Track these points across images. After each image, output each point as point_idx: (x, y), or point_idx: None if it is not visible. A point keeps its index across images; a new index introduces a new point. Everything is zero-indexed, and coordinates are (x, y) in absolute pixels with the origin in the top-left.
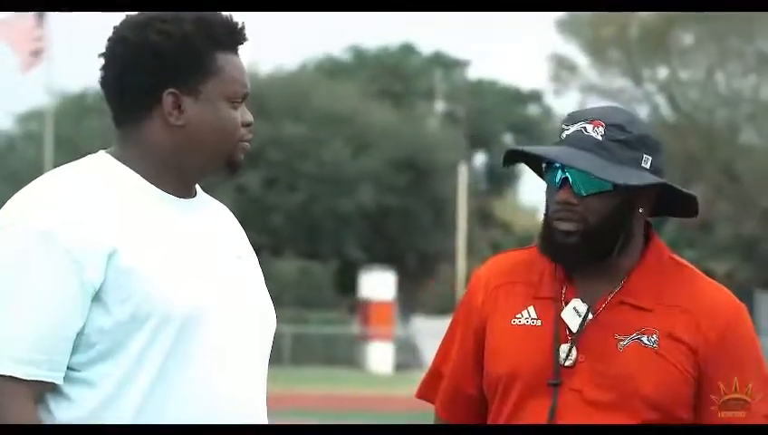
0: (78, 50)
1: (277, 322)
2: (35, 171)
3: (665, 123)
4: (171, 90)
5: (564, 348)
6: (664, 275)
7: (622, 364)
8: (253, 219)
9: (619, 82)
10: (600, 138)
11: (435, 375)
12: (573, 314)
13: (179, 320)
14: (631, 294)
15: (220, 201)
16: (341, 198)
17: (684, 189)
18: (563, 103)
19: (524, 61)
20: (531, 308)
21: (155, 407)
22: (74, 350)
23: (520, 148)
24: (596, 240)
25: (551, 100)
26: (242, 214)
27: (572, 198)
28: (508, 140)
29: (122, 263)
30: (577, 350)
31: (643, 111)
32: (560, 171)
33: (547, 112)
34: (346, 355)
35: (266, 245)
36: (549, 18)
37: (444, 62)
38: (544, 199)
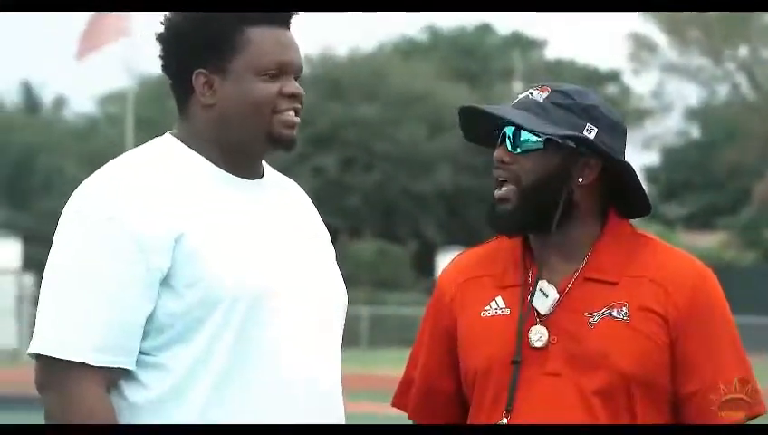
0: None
1: (354, 303)
2: (117, 153)
3: (745, 102)
4: (200, 70)
5: (535, 330)
6: (627, 247)
7: (595, 341)
8: (330, 201)
9: (699, 60)
10: (540, 100)
11: (406, 381)
12: (541, 295)
13: (248, 301)
14: (596, 270)
15: (297, 183)
16: (418, 178)
17: (622, 159)
18: (642, 83)
19: (603, 40)
20: (498, 298)
21: (227, 390)
22: (146, 335)
23: (467, 105)
24: (530, 204)
25: (629, 79)
26: (319, 195)
27: (506, 156)
28: None
29: (189, 246)
30: (548, 331)
31: (723, 91)
32: (500, 131)
33: (626, 92)
34: None
35: (344, 226)
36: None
37: (521, 42)
38: None
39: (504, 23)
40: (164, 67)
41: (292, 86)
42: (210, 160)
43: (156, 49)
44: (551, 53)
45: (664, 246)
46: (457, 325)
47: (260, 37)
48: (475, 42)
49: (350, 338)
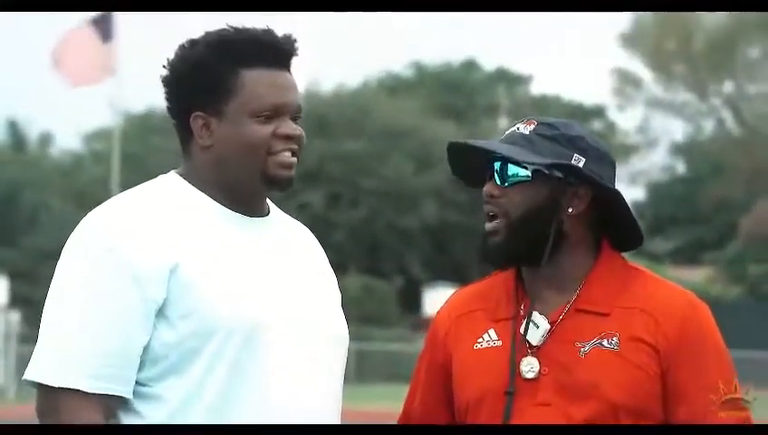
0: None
1: None
2: (102, 189)
3: (730, 137)
4: (197, 113)
5: (526, 361)
6: (618, 279)
7: (586, 371)
8: (315, 236)
9: (684, 96)
10: (526, 132)
11: (405, 417)
12: (532, 327)
13: (242, 334)
14: (587, 301)
15: None
16: (404, 214)
17: (609, 185)
18: (627, 118)
19: (588, 76)
20: (491, 331)
21: (218, 421)
22: (142, 365)
23: (455, 141)
24: (520, 236)
25: (614, 115)
26: None
27: (495, 190)
28: None
29: (184, 278)
30: (539, 362)
31: (709, 126)
32: (488, 166)
33: (611, 128)
34: (410, 372)
35: (330, 261)
36: (612, 32)
37: (506, 78)
38: None
39: (490, 58)
40: (168, 109)
41: (288, 127)
42: (211, 198)
43: (143, 88)
44: (536, 89)
45: (655, 277)
46: (452, 360)
47: (255, 80)
48: (460, 77)
49: None
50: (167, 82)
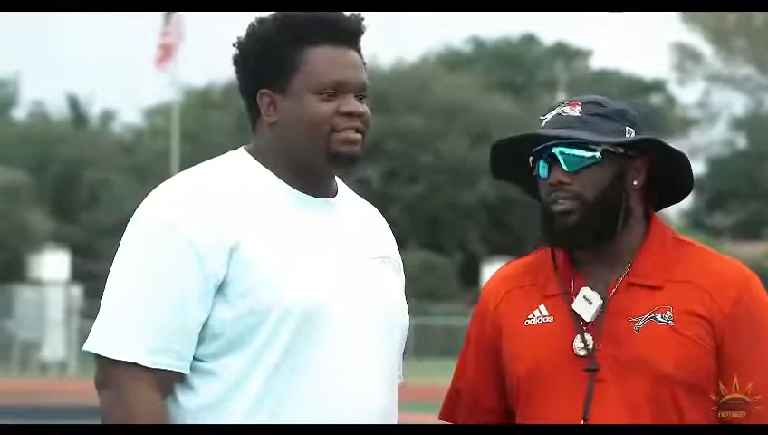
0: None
1: None
2: (162, 165)
3: None
4: (264, 90)
5: (579, 338)
6: (670, 253)
7: (640, 346)
8: None
9: (744, 70)
10: (578, 114)
11: (454, 394)
12: (584, 303)
13: (299, 314)
14: (640, 275)
15: None
16: (462, 190)
17: (674, 147)
18: (687, 93)
19: (647, 50)
20: (542, 307)
21: (270, 401)
22: (200, 341)
23: (498, 141)
24: (596, 216)
25: (674, 89)
26: None
27: (565, 177)
28: None
29: (244, 256)
30: (593, 338)
31: None
32: (546, 153)
33: (671, 102)
34: None
35: None
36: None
37: (566, 53)
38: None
39: (549, 33)
40: (238, 87)
41: (350, 105)
42: (278, 176)
43: (202, 64)
44: (595, 64)
45: (707, 250)
46: (501, 335)
47: (317, 57)
48: (519, 52)
49: None
50: (236, 60)
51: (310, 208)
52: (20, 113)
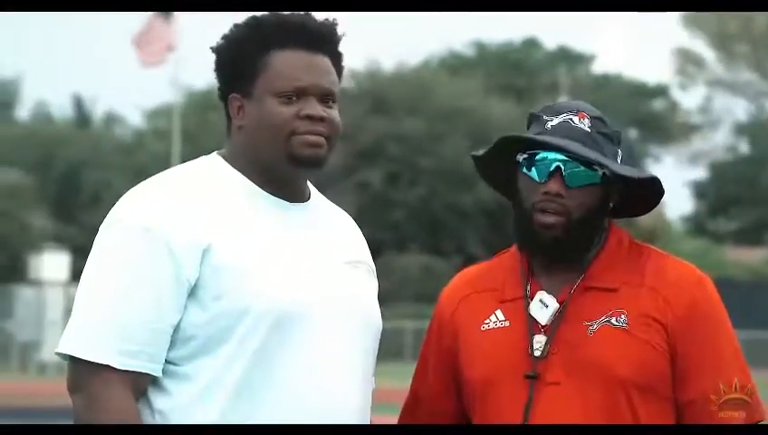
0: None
1: (399, 317)
2: (163, 166)
3: None
4: (234, 94)
5: (535, 340)
6: (626, 256)
7: (594, 349)
8: (374, 215)
9: (746, 75)
10: (588, 129)
11: (413, 400)
12: (540, 307)
13: (271, 318)
14: (595, 279)
15: (341, 197)
16: (462, 193)
17: (662, 187)
18: (689, 98)
19: (650, 55)
20: (498, 312)
21: (243, 404)
22: (173, 344)
23: (514, 134)
24: (577, 234)
25: (676, 94)
26: (363, 210)
27: (563, 190)
28: (633, 134)
29: (216, 259)
30: (548, 341)
31: None
32: (550, 161)
33: (673, 107)
34: None
35: (389, 240)
36: (674, 12)
37: (568, 57)
38: (520, 191)
39: (551, 37)
40: (218, 93)
41: (311, 108)
42: (250, 179)
43: (204, 65)
44: (597, 68)
45: (663, 254)
46: (458, 339)
47: (281, 60)
48: (521, 56)
49: (395, 352)
50: (214, 64)
51: (282, 212)
52: (23, 114)
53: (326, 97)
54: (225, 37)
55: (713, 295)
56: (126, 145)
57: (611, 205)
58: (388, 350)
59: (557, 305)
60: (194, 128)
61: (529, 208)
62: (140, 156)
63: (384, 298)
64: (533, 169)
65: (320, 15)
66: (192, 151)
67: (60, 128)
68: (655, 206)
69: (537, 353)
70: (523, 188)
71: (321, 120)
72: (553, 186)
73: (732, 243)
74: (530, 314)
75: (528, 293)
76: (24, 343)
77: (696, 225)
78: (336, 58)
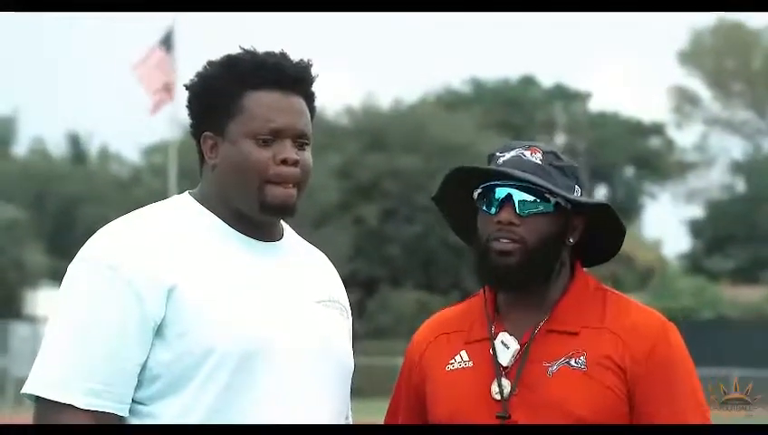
0: None
1: (394, 354)
2: None
3: None
4: (207, 133)
5: (496, 383)
6: (590, 300)
7: (553, 390)
8: (370, 251)
9: (743, 114)
10: (539, 162)
11: None
12: (502, 348)
13: (236, 356)
14: (558, 322)
15: (337, 233)
16: None
17: (618, 217)
18: (685, 136)
19: (646, 93)
20: (463, 352)
21: None
22: (140, 384)
23: (464, 166)
24: (534, 262)
25: (673, 132)
26: (359, 245)
27: (514, 218)
28: (629, 172)
29: (182, 298)
30: (509, 382)
31: None
32: (500, 191)
33: (669, 145)
34: None
35: (384, 276)
36: (670, 50)
37: (564, 95)
38: (478, 229)
39: (548, 75)
40: (189, 129)
41: (286, 151)
42: (221, 219)
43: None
44: (594, 106)
45: (626, 299)
46: (425, 381)
47: (256, 101)
48: (518, 94)
49: (388, 389)
50: (186, 101)
51: (253, 251)
52: (19, 150)
53: (300, 139)
54: (199, 75)
55: (674, 341)
56: (122, 181)
57: (572, 240)
58: (381, 387)
59: (518, 347)
60: (190, 164)
61: (485, 241)
62: (137, 192)
63: (379, 334)
64: (485, 202)
65: (294, 56)
66: (189, 188)
67: (56, 164)
68: (620, 246)
69: (497, 397)
70: (479, 225)
71: (295, 163)
72: (505, 215)
73: (728, 281)
74: (494, 356)
75: (492, 334)
76: (20, 378)
77: (693, 263)
78: (310, 99)
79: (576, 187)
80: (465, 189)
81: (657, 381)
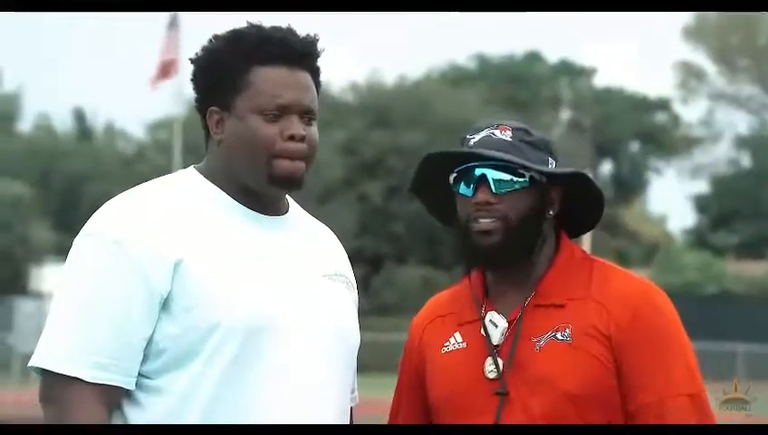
0: None
1: (399, 329)
2: None
3: None
4: (213, 108)
5: (489, 361)
6: (576, 271)
7: (541, 364)
8: (375, 227)
9: (748, 89)
10: (509, 139)
11: (392, 422)
12: (491, 327)
13: (243, 330)
14: (544, 296)
15: (342, 210)
16: None
17: (595, 185)
18: (691, 111)
19: (651, 68)
20: (457, 334)
21: (220, 415)
22: (146, 358)
23: (436, 151)
24: (516, 238)
25: (678, 107)
26: (364, 222)
27: (491, 198)
28: (635, 148)
29: (188, 273)
30: (501, 361)
31: None
32: (475, 172)
33: (674, 120)
34: None
35: (389, 252)
36: (676, 25)
37: (570, 70)
38: (458, 212)
39: (553, 50)
40: (194, 103)
41: (293, 127)
42: (227, 193)
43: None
44: (599, 81)
45: (612, 267)
46: (424, 364)
47: (263, 76)
48: (523, 70)
49: (395, 364)
50: (191, 75)
51: (259, 225)
52: (24, 127)
53: (307, 114)
54: (204, 49)
55: (661, 307)
56: (127, 157)
57: (551, 212)
58: (388, 363)
59: (506, 325)
60: (195, 140)
61: (465, 222)
62: (142, 168)
63: (385, 310)
64: (461, 185)
65: (301, 31)
66: (193, 163)
67: (61, 140)
68: (600, 215)
69: (491, 376)
70: (459, 208)
71: (303, 138)
72: (481, 195)
73: (733, 256)
74: (485, 335)
75: (483, 314)
76: (25, 354)
77: (698, 238)
78: (316, 74)
79: (549, 159)
80: (442, 175)
81: (643, 347)
